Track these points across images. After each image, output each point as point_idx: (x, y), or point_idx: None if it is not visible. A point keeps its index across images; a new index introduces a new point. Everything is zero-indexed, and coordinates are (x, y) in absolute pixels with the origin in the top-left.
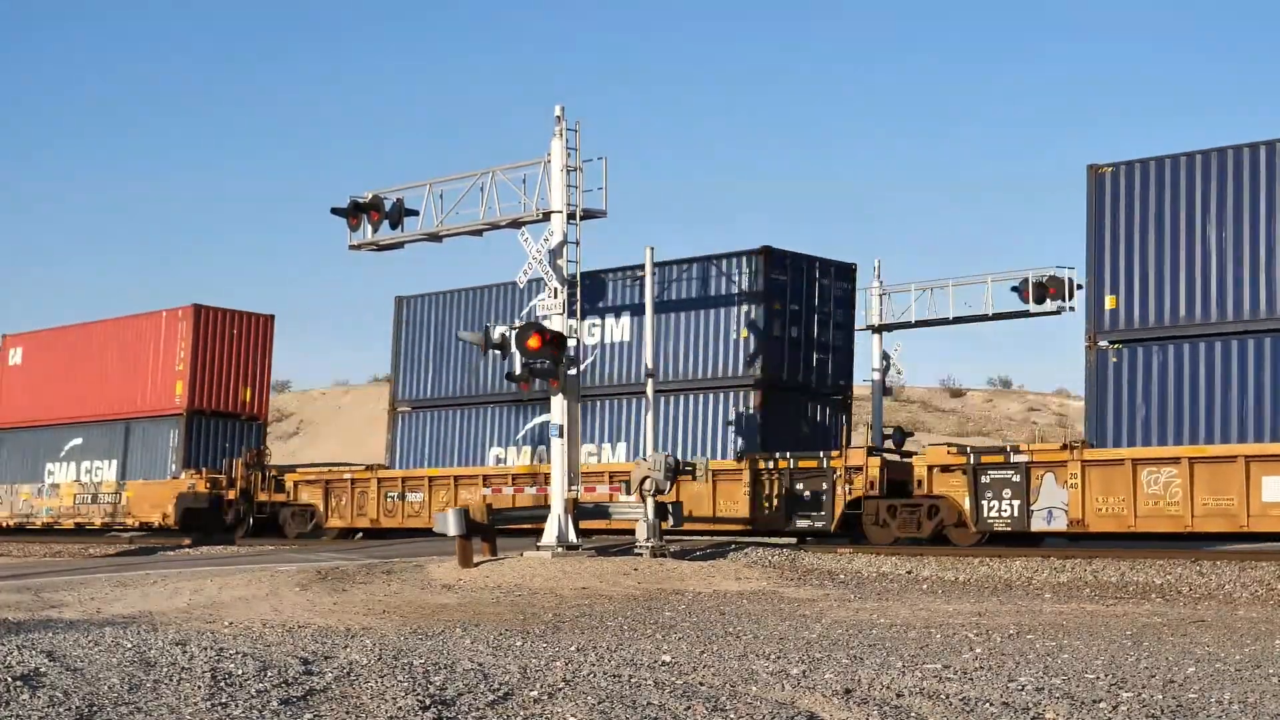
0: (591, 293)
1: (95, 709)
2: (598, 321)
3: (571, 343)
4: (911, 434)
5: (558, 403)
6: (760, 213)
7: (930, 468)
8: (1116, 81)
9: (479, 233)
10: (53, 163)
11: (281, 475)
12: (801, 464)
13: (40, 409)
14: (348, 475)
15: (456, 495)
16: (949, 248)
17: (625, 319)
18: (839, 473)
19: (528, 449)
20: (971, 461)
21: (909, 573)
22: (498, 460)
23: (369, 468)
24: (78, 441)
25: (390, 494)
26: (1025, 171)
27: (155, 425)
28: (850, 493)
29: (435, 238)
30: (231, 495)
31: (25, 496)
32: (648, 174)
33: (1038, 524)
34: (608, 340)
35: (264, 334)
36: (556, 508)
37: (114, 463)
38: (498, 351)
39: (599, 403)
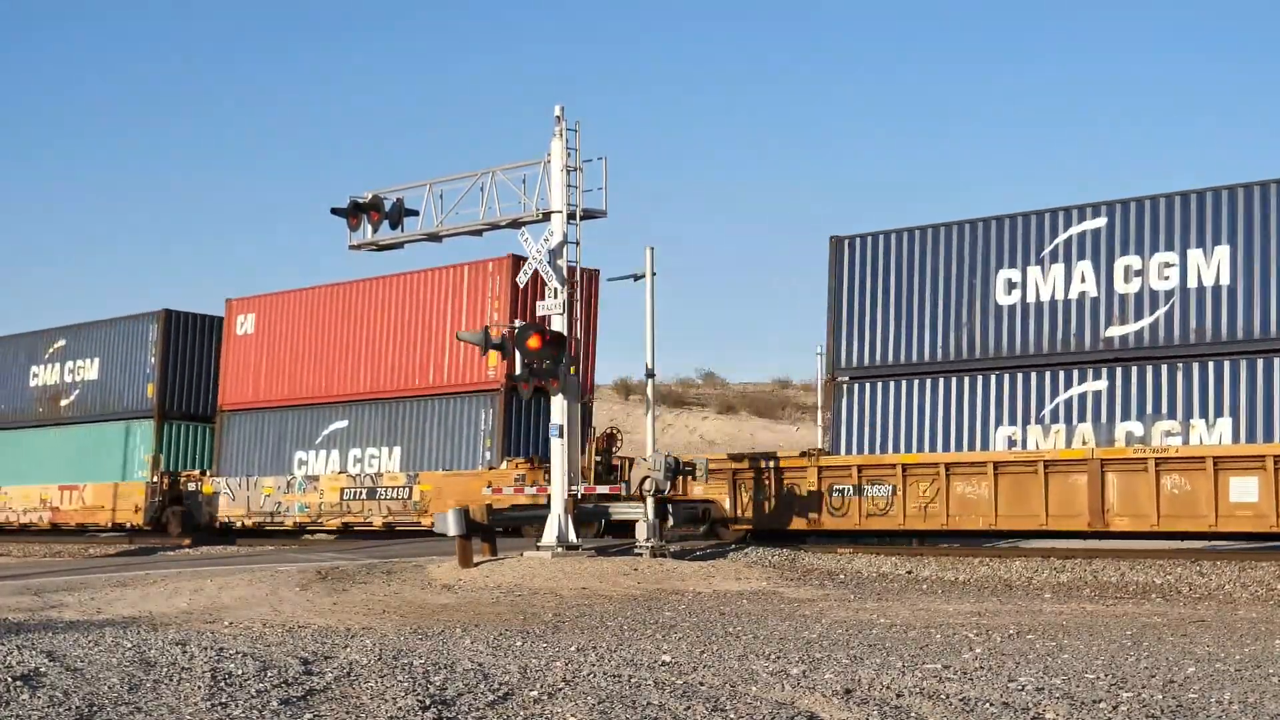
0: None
1: (95, 709)
2: None
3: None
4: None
5: (558, 403)
6: (761, 211)
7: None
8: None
9: (479, 233)
10: (50, 163)
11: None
12: None
13: (286, 386)
14: (770, 463)
15: (949, 489)
16: None
17: None
18: None
19: (1059, 427)
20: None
21: (909, 573)
22: (1010, 443)
23: (806, 454)
24: (341, 424)
25: (840, 487)
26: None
27: (460, 404)
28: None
29: (435, 238)
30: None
31: (268, 491)
32: (647, 174)
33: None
34: None
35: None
36: (556, 508)
37: (396, 450)
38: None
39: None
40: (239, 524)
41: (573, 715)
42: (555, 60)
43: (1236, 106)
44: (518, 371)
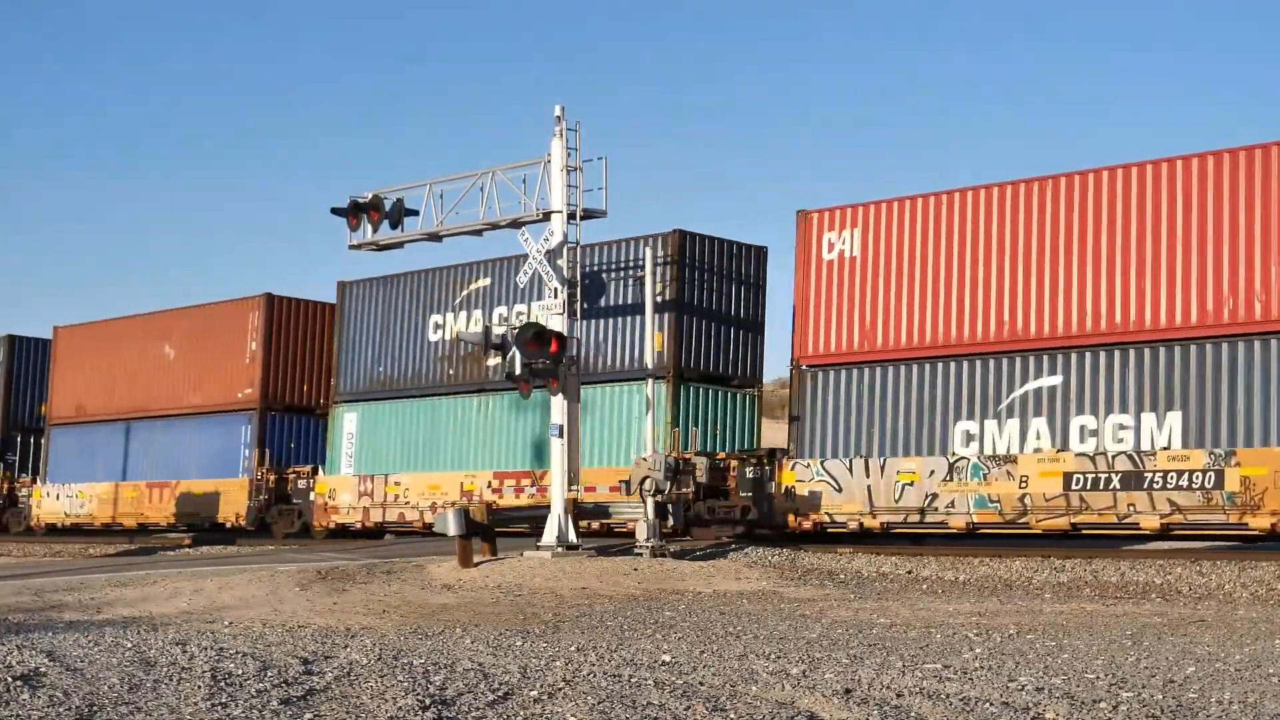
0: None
1: (95, 709)
2: None
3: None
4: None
5: (557, 403)
6: (761, 211)
7: None
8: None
9: (479, 233)
10: (50, 163)
11: None
12: None
13: (908, 333)
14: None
15: None
16: None
17: None
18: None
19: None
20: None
21: (909, 573)
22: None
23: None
24: (1052, 381)
25: None
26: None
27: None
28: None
29: (435, 238)
30: None
31: (909, 478)
32: (648, 173)
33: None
34: None
35: None
36: (556, 508)
37: (1172, 416)
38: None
39: None
40: (856, 525)
41: (573, 715)
42: (555, 60)
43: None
44: (518, 371)
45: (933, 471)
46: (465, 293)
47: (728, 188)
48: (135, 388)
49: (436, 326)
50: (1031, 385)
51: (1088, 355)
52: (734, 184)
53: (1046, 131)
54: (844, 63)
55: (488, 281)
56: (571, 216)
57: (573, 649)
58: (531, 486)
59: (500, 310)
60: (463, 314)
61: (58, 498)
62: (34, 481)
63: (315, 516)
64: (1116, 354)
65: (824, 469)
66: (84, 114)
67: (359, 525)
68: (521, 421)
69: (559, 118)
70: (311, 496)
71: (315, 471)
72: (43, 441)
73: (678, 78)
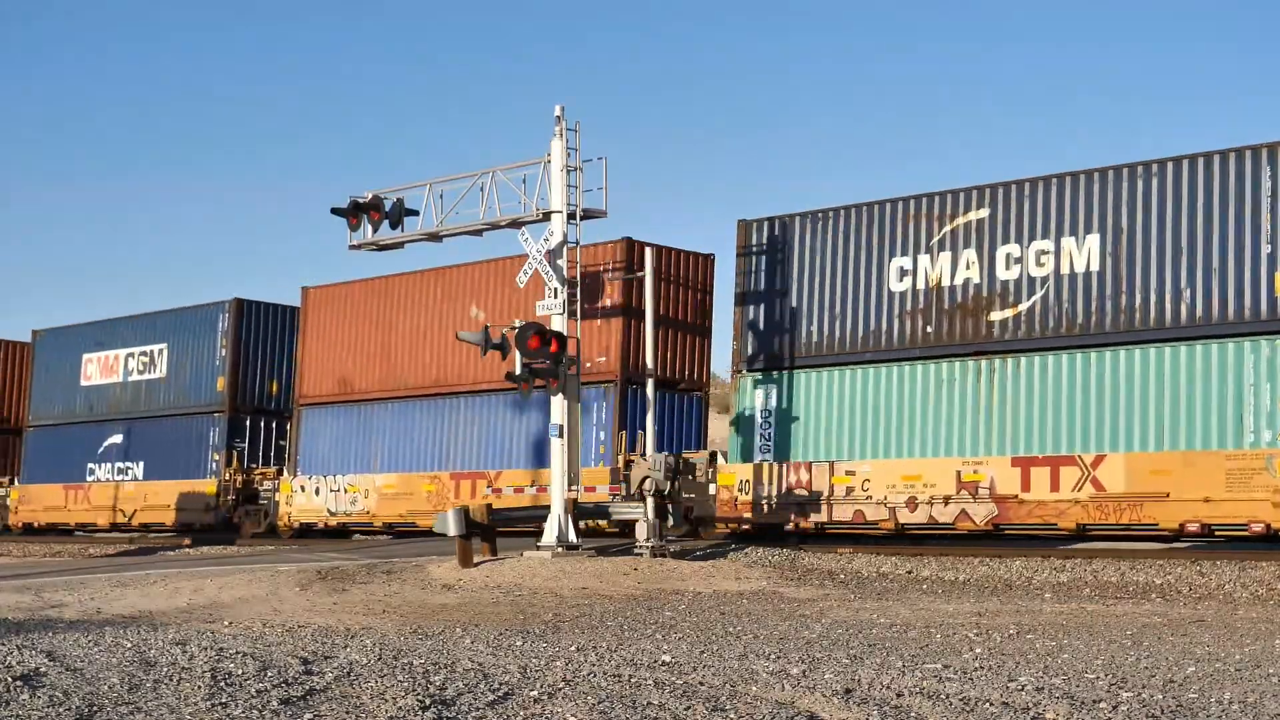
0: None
1: (95, 709)
2: None
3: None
4: None
5: (558, 403)
6: (761, 211)
7: None
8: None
9: (479, 233)
10: (51, 162)
11: None
12: None
13: None
14: None
15: None
16: None
17: None
18: None
19: None
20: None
21: (909, 573)
22: None
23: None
24: None
25: None
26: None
27: None
28: None
29: (435, 238)
30: None
31: None
32: (647, 173)
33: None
34: None
35: None
36: (556, 508)
37: None
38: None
39: None
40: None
41: (573, 715)
42: (555, 60)
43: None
44: (518, 371)
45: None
46: (950, 228)
47: (675, 195)
48: (424, 359)
49: (904, 273)
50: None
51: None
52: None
53: (1024, 131)
54: (830, 62)
55: (985, 213)
56: (571, 216)
57: (573, 649)
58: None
59: (1009, 250)
60: (944, 255)
61: (316, 492)
62: (280, 474)
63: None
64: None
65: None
66: (86, 114)
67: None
68: None
69: (559, 118)
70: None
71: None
72: (289, 425)
73: (680, 75)
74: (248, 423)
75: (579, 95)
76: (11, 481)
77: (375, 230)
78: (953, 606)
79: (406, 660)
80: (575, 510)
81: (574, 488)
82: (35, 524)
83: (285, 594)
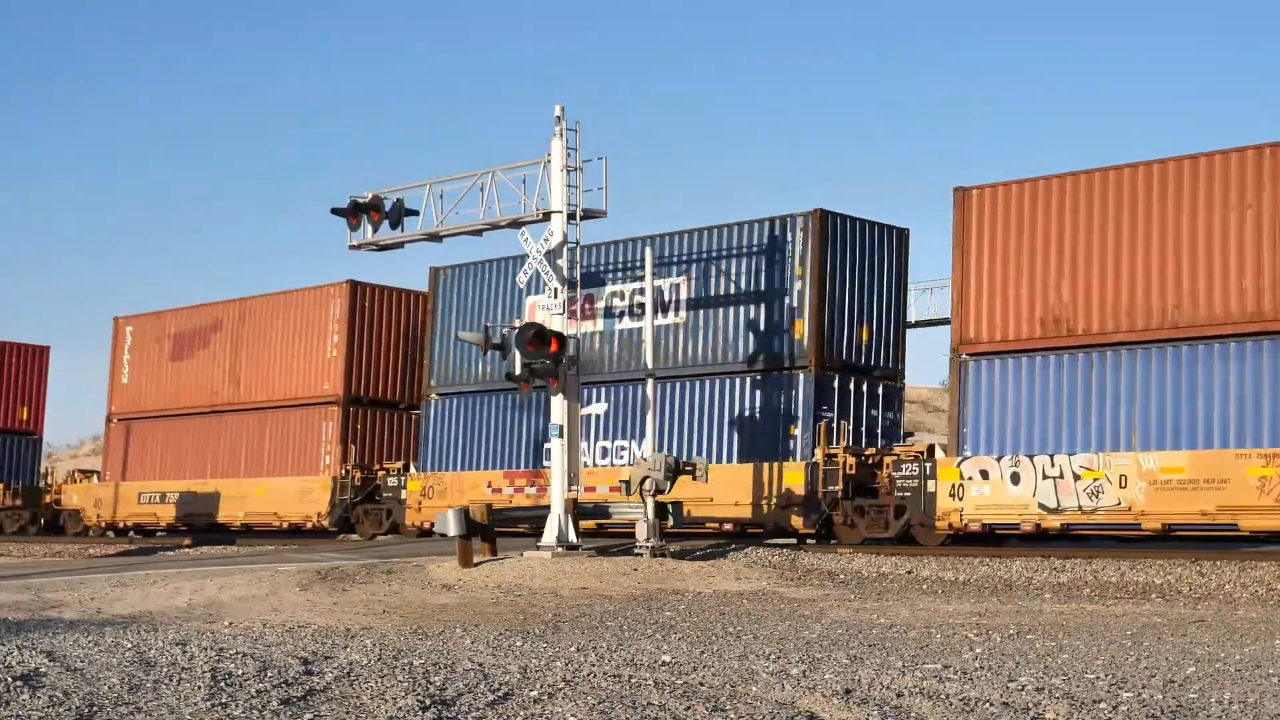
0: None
1: (95, 709)
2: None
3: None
4: (911, 434)
5: (557, 403)
6: (761, 211)
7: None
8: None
9: (479, 233)
10: (54, 161)
11: None
12: None
13: None
14: None
15: None
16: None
17: None
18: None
19: None
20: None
21: (909, 573)
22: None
23: None
24: None
25: None
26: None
27: None
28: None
29: (435, 238)
30: None
31: None
32: (648, 173)
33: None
34: None
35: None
36: (556, 508)
37: None
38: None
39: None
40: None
41: (573, 715)
42: (555, 60)
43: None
44: (518, 371)
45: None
46: None
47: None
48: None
49: None
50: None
51: None
52: (749, 180)
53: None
54: (852, 58)
55: None
56: (571, 217)
57: (573, 649)
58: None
59: None
60: None
61: (1014, 480)
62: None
63: None
64: None
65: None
66: (86, 114)
67: None
68: None
69: (559, 118)
70: None
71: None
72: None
73: (682, 75)
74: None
75: (579, 95)
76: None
77: (375, 230)
78: (953, 606)
79: (406, 660)
80: (576, 510)
81: (574, 488)
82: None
83: (285, 594)
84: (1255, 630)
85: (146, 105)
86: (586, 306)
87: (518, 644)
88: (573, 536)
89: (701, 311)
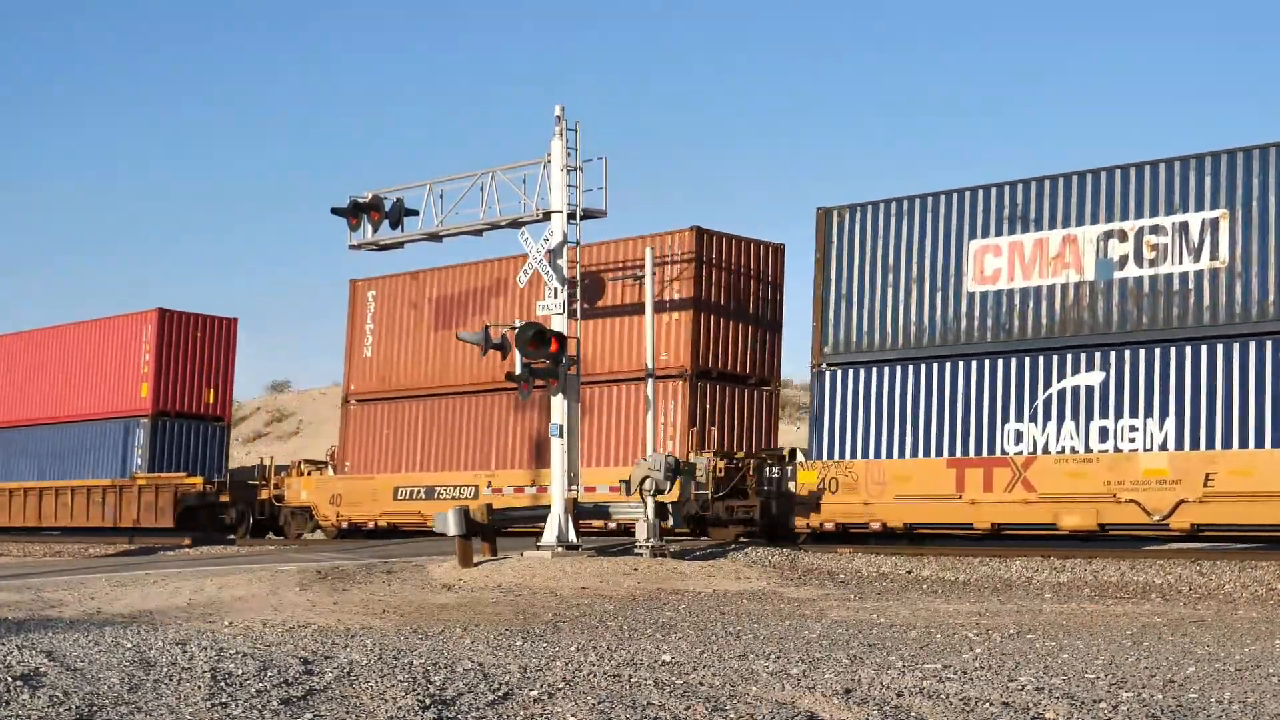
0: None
1: (95, 709)
2: None
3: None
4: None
5: (557, 403)
6: (762, 211)
7: None
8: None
9: (479, 232)
10: (56, 160)
11: None
12: None
13: None
14: None
15: None
16: None
17: None
18: None
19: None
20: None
21: (909, 573)
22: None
23: None
24: None
25: None
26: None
27: None
28: None
29: (435, 238)
30: None
31: None
32: (649, 173)
33: None
34: None
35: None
36: (556, 508)
37: None
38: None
39: None
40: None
41: (573, 715)
42: (555, 60)
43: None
44: (518, 371)
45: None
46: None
47: (742, 186)
48: None
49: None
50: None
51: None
52: (751, 182)
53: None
54: (856, 58)
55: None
56: (571, 216)
57: (573, 649)
58: None
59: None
60: None
61: None
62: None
63: None
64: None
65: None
66: (81, 115)
67: None
68: None
69: (559, 118)
70: None
71: None
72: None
73: (683, 75)
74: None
75: (580, 95)
76: None
77: (375, 230)
78: (953, 606)
79: (406, 660)
80: (575, 510)
81: (574, 488)
82: None
83: (285, 594)
84: (1255, 630)
85: (146, 105)
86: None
87: (518, 644)
88: (573, 536)
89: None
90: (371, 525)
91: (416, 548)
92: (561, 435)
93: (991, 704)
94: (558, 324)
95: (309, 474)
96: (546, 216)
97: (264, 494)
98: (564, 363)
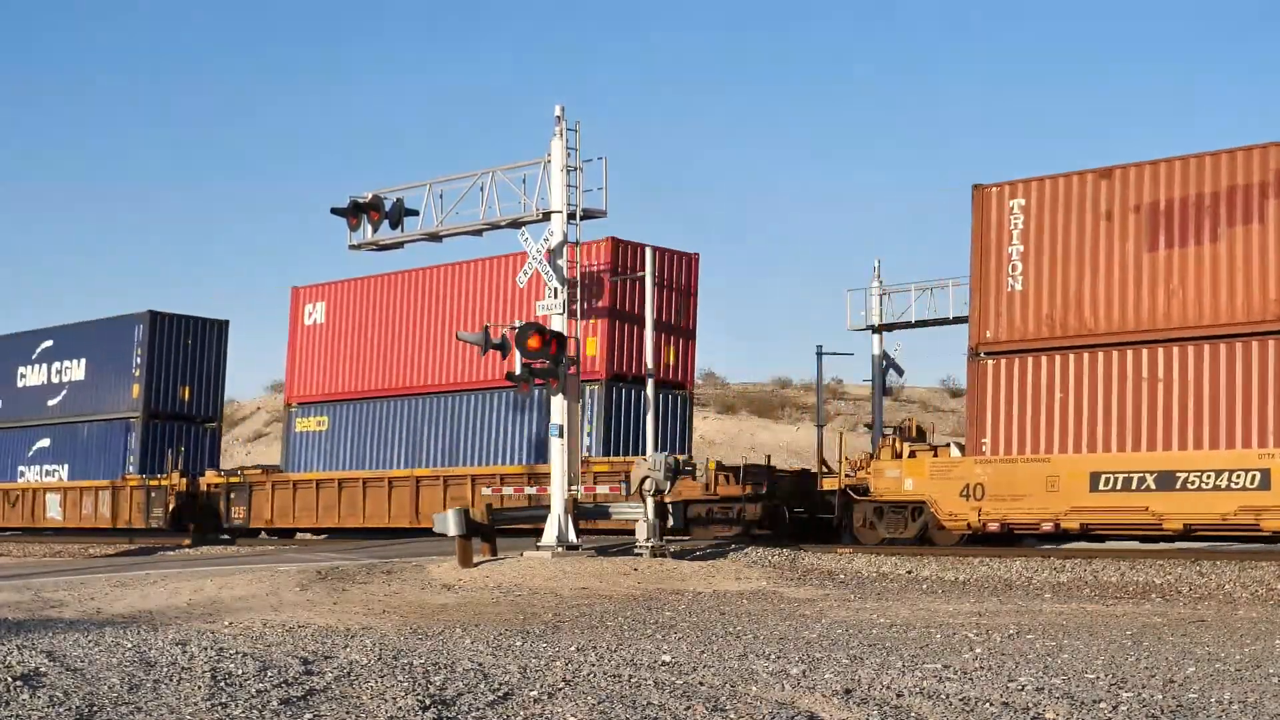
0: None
1: (95, 709)
2: None
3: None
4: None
5: (557, 403)
6: (760, 211)
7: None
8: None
9: (479, 233)
10: (51, 162)
11: None
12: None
13: None
14: None
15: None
16: (952, 246)
17: None
18: None
19: None
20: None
21: (909, 573)
22: None
23: None
24: None
25: None
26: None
27: None
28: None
29: (435, 238)
30: None
31: None
32: (648, 173)
33: None
34: None
35: None
36: (556, 508)
37: None
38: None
39: None
40: None
41: (573, 715)
42: (555, 60)
43: None
44: (518, 371)
45: None
46: None
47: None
48: None
49: None
50: None
51: None
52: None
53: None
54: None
55: None
56: (571, 216)
57: (573, 649)
58: None
59: None
60: None
61: None
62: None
63: None
64: None
65: None
66: (82, 115)
67: None
68: None
69: (559, 118)
70: None
71: None
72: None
73: (682, 75)
74: None
75: (580, 95)
76: None
77: (375, 230)
78: (953, 606)
79: (406, 660)
80: (575, 510)
81: (574, 487)
82: None
83: (285, 594)
84: (1255, 630)
85: (146, 105)
86: None
87: (518, 644)
88: (573, 536)
89: None
90: (1050, 528)
91: (417, 548)
92: (561, 435)
93: (991, 704)
94: (557, 324)
95: (914, 456)
96: (546, 216)
97: (827, 483)
98: (564, 363)
